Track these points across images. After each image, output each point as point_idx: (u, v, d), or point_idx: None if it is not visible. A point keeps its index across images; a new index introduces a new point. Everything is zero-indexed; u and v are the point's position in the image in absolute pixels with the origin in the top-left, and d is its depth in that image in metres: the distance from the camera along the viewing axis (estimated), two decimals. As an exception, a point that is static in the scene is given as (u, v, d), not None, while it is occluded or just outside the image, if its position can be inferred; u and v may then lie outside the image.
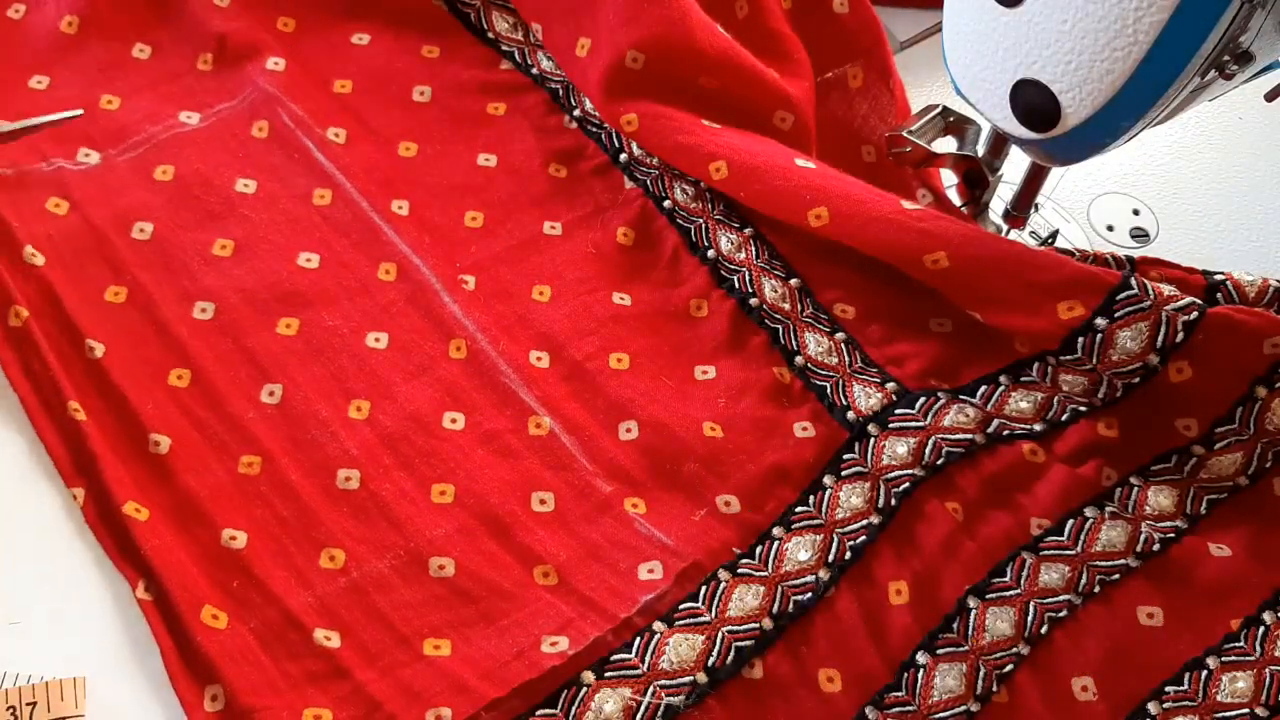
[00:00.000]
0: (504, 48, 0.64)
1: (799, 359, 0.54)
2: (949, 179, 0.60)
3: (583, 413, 0.52)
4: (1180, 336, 0.49)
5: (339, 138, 0.60)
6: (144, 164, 0.58)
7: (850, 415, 0.52)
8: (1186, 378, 0.50)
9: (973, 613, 0.47)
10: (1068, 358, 0.51)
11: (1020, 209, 0.59)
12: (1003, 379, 0.53)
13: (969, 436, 0.50)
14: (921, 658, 0.46)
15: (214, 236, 0.55)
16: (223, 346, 0.52)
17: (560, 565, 0.48)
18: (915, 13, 0.69)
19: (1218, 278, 0.54)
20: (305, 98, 0.61)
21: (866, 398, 0.52)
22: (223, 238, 0.56)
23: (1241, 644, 0.47)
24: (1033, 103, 0.47)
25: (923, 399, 0.52)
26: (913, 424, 0.51)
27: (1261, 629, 0.47)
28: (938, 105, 0.58)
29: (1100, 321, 0.50)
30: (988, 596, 0.47)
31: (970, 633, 0.47)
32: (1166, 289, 0.50)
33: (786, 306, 0.55)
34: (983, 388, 0.52)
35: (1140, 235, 0.63)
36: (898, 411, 0.51)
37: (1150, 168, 0.65)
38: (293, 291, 0.54)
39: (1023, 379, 0.52)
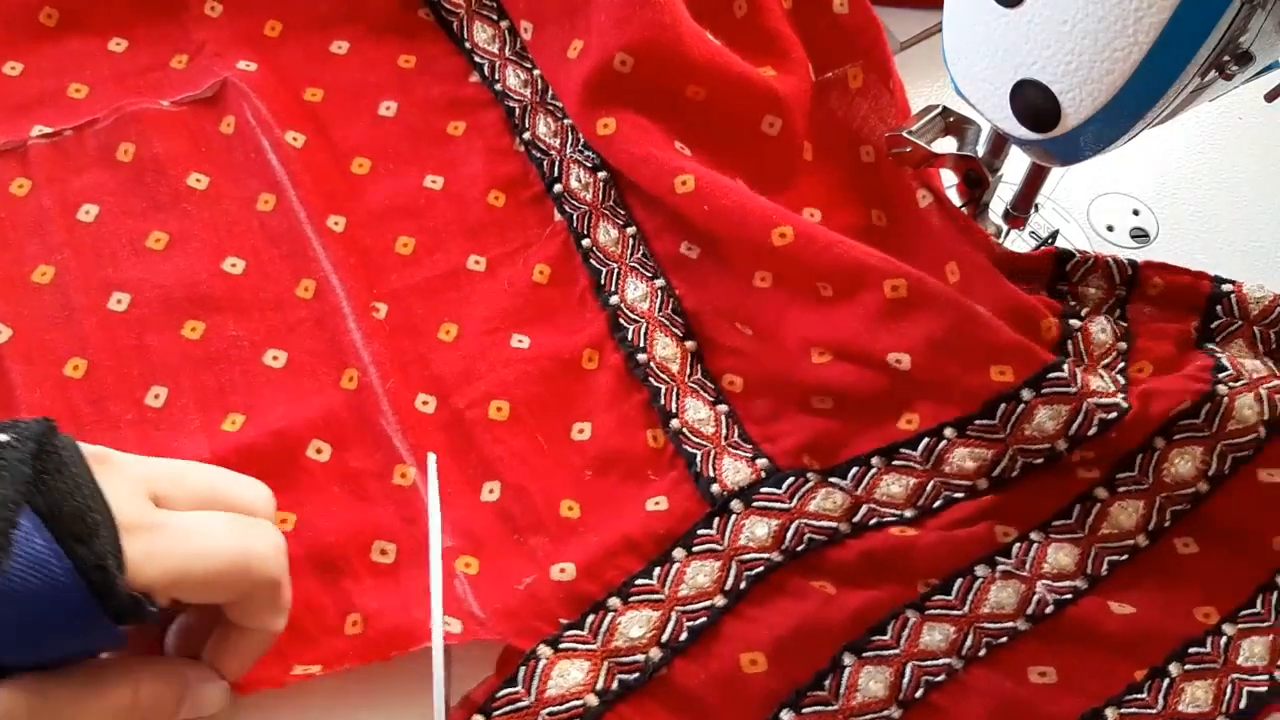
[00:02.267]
0: (476, 59, 0.64)
1: (675, 422, 0.53)
2: (949, 179, 0.60)
3: (451, 466, 0.51)
4: (1094, 431, 0.49)
5: (296, 141, 0.59)
6: (110, 139, 0.58)
7: (715, 489, 0.50)
8: (1087, 457, 0.50)
9: (846, 670, 0.46)
10: (983, 423, 0.51)
11: (1020, 209, 0.59)
12: (875, 460, 0.52)
13: (833, 525, 0.49)
14: (786, 716, 0.45)
15: (152, 227, 0.55)
16: (125, 341, 0.52)
17: (369, 615, 0.46)
18: (915, 13, 0.69)
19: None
20: (273, 98, 0.60)
21: (735, 472, 0.51)
22: (159, 230, 0.55)
23: (1144, 695, 0.46)
24: (1033, 103, 0.47)
25: (791, 479, 0.51)
26: (777, 504, 0.50)
27: (1166, 680, 0.46)
28: (938, 105, 0.58)
29: (1026, 393, 0.50)
30: (864, 655, 0.46)
31: (841, 691, 0.45)
32: (1096, 382, 0.50)
33: (674, 368, 0.54)
34: (854, 469, 0.51)
35: (1140, 235, 0.63)
36: (763, 490, 0.50)
37: (1150, 168, 0.65)
38: (209, 295, 0.54)
39: (895, 462, 0.51)
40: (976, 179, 0.58)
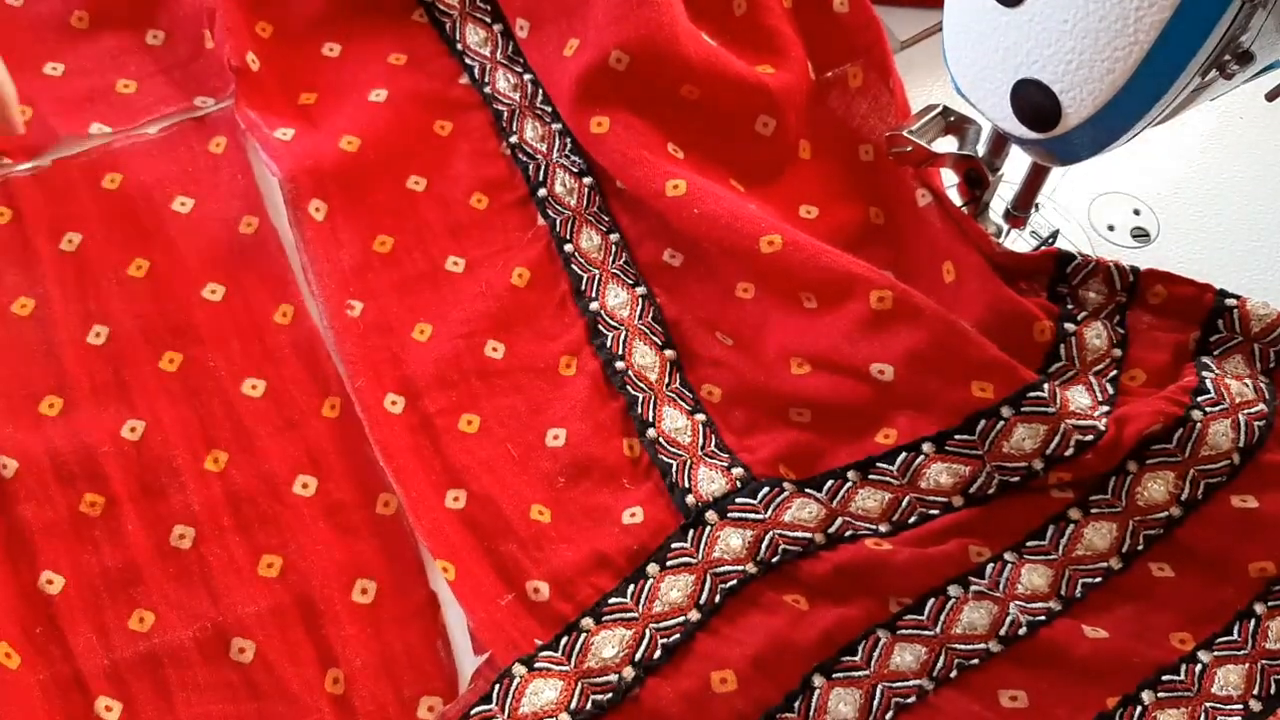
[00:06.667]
0: (467, 61, 0.63)
1: (651, 431, 0.52)
2: (949, 179, 0.60)
3: (419, 470, 0.51)
4: (1070, 452, 0.49)
5: (286, 136, 0.59)
6: (96, 170, 0.58)
7: (690, 500, 0.50)
8: (1063, 478, 0.50)
9: (816, 692, 0.46)
10: (962, 438, 0.51)
11: (1020, 209, 0.59)
12: (851, 474, 0.51)
13: (808, 535, 0.49)
14: None
15: (133, 256, 0.55)
16: (103, 375, 0.52)
17: (351, 674, 0.46)
18: (915, 13, 0.69)
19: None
20: (266, 104, 0.60)
21: (710, 482, 0.51)
22: (141, 257, 0.55)
23: None
24: (1033, 102, 0.47)
25: (766, 489, 0.50)
26: (752, 515, 0.50)
27: (1139, 708, 0.46)
28: (938, 105, 0.58)
29: (1006, 410, 0.50)
30: (834, 676, 0.46)
31: (811, 713, 0.45)
32: (1076, 402, 0.51)
33: (653, 377, 0.54)
34: (830, 482, 0.51)
35: (1140, 235, 0.63)
36: (738, 500, 0.50)
37: (1150, 168, 0.65)
38: (188, 325, 0.54)
39: (871, 476, 0.51)
40: (977, 179, 0.58)
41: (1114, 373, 0.54)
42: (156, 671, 0.46)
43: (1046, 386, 0.50)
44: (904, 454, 0.51)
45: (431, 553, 0.48)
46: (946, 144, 0.57)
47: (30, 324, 0.53)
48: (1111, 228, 0.62)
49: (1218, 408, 0.50)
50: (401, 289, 0.56)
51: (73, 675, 0.45)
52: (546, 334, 0.56)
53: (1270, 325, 0.53)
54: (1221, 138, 0.67)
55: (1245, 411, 0.50)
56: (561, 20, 0.60)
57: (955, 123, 0.58)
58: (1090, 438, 0.49)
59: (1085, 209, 0.63)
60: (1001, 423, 0.50)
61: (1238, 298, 0.54)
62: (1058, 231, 0.61)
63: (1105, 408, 0.52)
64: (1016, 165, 0.57)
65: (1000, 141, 0.56)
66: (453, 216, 0.59)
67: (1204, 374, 0.52)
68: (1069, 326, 0.54)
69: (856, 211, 0.59)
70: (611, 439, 0.52)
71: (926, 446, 0.51)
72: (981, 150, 0.56)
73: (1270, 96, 0.49)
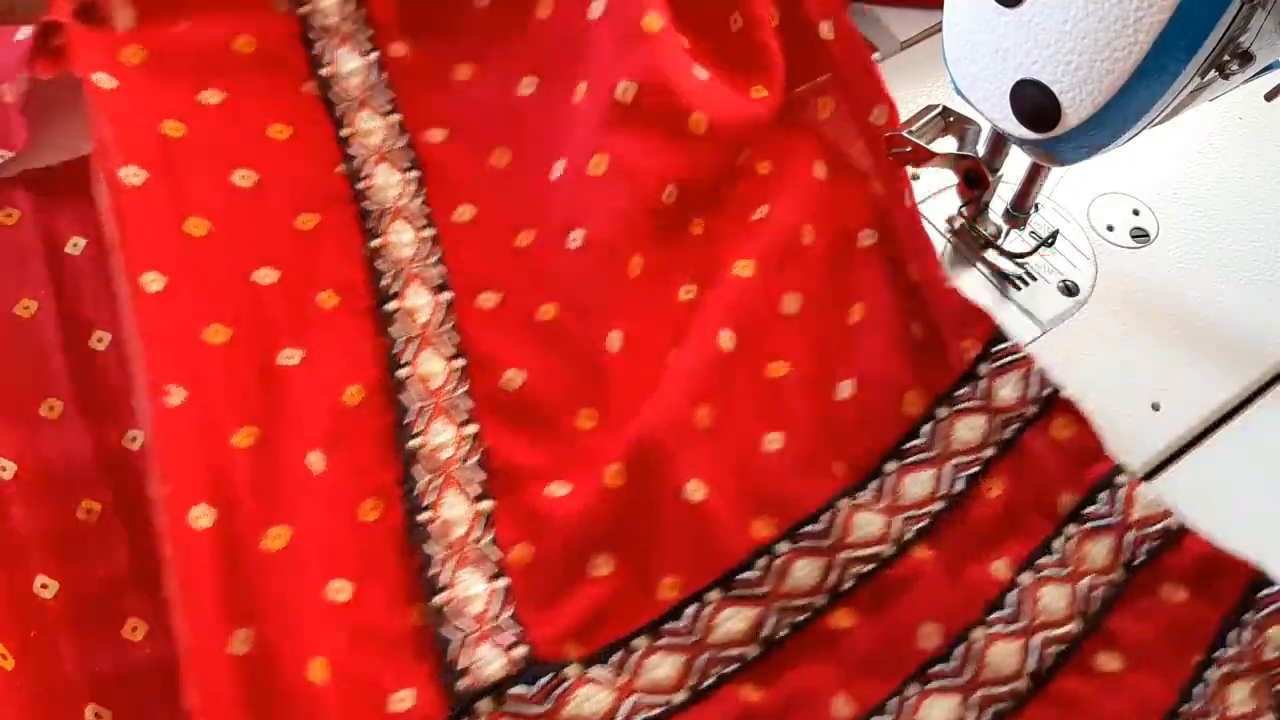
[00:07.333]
0: (349, 150, 0.59)
1: (441, 597, 0.48)
2: (949, 179, 0.60)
3: (207, 604, 0.45)
4: (849, 585, 0.49)
5: (137, 178, 0.53)
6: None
7: (463, 684, 0.46)
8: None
9: None
10: (745, 576, 0.49)
11: (1020, 209, 0.59)
12: (637, 642, 0.48)
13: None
14: None
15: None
16: (104, 379, 0.51)
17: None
18: (915, 13, 0.69)
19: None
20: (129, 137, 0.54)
21: (487, 664, 0.46)
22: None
23: None
24: (1033, 103, 0.47)
25: (547, 677, 0.46)
26: (528, 709, 0.45)
27: None
28: (938, 105, 0.58)
29: (782, 546, 0.49)
30: None
31: None
32: (859, 530, 0.50)
33: (459, 532, 0.50)
34: (617, 654, 0.48)
35: (1140, 235, 0.63)
36: (513, 691, 0.45)
37: (1150, 168, 0.65)
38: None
39: (659, 642, 0.48)
40: (976, 179, 0.58)
41: (975, 470, 0.51)
42: (147, 681, 0.46)
43: (823, 518, 0.50)
44: (690, 606, 0.48)
45: (193, 713, 0.42)
46: (946, 144, 0.57)
47: (32, 326, 0.53)
48: (1111, 228, 0.63)
49: (1011, 627, 0.48)
50: (231, 385, 0.50)
51: (63, 682, 0.45)
52: (362, 467, 0.51)
53: (1153, 517, 0.49)
54: (1221, 138, 0.67)
55: (1041, 635, 0.47)
56: (565, 69, 0.59)
57: (955, 123, 0.57)
58: (872, 567, 0.49)
59: (1085, 209, 0.63)
60: (779, 559, 0.49)
61: (1131, 477, 0.50)
62: (1057, 231, 0.61)
63: (940, 504, 0.50)
64: (1016, 165, 0.57)
65: (1000, 142, 0.56)
66: (299, 314, 0.54)
67: (1034, 560, 0.49)
68: (941, 411, 0.52)
69: (792, 227, 0.57)
70: (398, 605, 0.48)
71: (711, 594, 0.49)
72: (981, 150, 0.56)
73: (1270, 96, 0.49)
